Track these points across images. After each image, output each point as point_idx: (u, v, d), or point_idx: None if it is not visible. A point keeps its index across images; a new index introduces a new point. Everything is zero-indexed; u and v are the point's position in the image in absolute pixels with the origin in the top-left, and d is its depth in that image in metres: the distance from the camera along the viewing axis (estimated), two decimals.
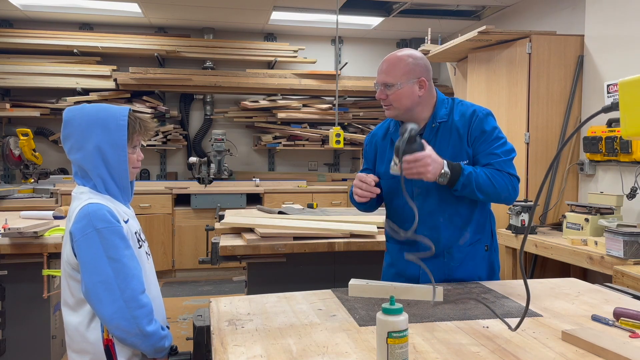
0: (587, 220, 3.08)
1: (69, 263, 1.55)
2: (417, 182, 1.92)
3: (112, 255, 1.49)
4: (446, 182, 1.76)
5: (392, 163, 1.75)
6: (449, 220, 1.94)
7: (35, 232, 2.72)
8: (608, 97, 3.58)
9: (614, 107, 1.13)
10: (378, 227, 2.82)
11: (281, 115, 5.94)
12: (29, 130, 5.32)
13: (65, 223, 1.61)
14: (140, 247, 1.66)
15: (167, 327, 1.69)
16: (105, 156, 1.58)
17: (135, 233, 1.66)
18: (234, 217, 3.07)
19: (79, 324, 1.55)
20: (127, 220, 1.63)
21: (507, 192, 1.83)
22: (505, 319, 1.52)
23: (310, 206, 3.86)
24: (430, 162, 1.70)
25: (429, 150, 1.72)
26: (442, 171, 1.74)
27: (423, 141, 1.73)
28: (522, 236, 3.37)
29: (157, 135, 5.82)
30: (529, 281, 2.03)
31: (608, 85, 3.57)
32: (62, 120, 1.62)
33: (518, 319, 1.53)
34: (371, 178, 1.86)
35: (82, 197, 1.58)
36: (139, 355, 1.59)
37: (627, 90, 1.11)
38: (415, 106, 1.90)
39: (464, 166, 1.79)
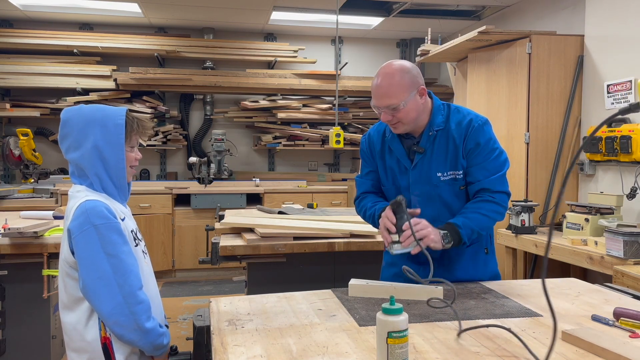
0: (587, 220, 3.08)
1: (67, 261, 1.56)
2: (415, 191, 1.93)
3: (110, 251, 1.50)
4: (451, 241, 1.77)
5: (393, 243, 1.75)
6: None
7: (35, 232, 2.72)
8: (608, 97, 3.58)
9: (632, 108, 1.11)
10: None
11: (281, 115, 5.94)
12: (29, 130, 5.33)
13: (64, 222, 1.62)
14: (136, 245, 1.66)
15: (166, 326, 1.69)
16: (103, 155, 1.59)
17: (132, 232, 1.67)
18: (234, 217, 3.07)
19: (76, 322, 1.56)
20: (124, 218, 1.64)
21: (499, 215, 1.89)
22: (506, 319, 1.53)
23: (310, 206, 3.86)
24: (427, 225, 1.73)
25: (418, 220, 1.75)
26: (441, 233, 1.75)
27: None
28: (522, 236, 3.37)
29: (157, 135, 5.82)
30: (529, 281, 2.04)
31: (608, 85, 3.57)
32: (60, 121, 1.63)
33: (518, 319, 1.53)
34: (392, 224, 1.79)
35: (79, 195, 1.59)
36: (137, 353, 1.59)
37: None
38: (420, 114, 1.87)
39: (452, 220, 1.81)
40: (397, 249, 1.74)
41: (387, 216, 1.78)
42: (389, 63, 1.85)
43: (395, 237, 1.74)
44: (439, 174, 1.90)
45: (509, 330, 1.37)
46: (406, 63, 1.84)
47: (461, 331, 1.40)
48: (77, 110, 1.63)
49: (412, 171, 1.92)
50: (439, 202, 1.92)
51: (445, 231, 1.77)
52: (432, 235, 1.72)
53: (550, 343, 1.02)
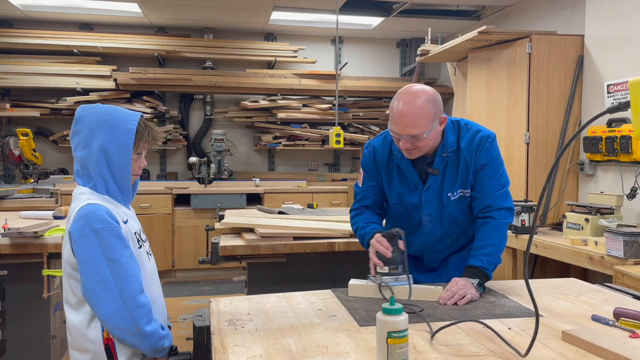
0: (587, 220, 3.08)
1: (69, 263, 1.56)
2: (426, 211, 1.94)
3: (110, 255, 1.50)
4: (483, 284, 1.80)
5: (382, 275, 1.78)
6: (454, 241, 2.01)
7: (35, 232, 2.71)
8: (608, 97, 3.58)
9: (621, 107, 1.11)
10: None
11: (281, 115, 5.94)
12: (29, 130, 5.33)
13: (66, 223, 1.62)
14: (140, 247, 1.66)
15: (169, 327, 1.69)
16: (109, 156, 1.59)
17: (135, 233, 1.66)
18: (234, 217, 3.07)
19: (80, 322, 1.55)
20: (127, 220, 1.63)
21: (506, 235, 1.92)
22: (506, 319, 1.53)
23: (310, 206, 3.86)
24: (464, 283, 1.74)
25: (455, 280, 1.77)
26: (475, 283, 1.76)
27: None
28: (523, 236, 3.37)
29: None
30: (529, 281, 2.03)
31: (608, 85, 3.57)
32: (74, 117, 1.63)
33: (518, 319, 1.53)
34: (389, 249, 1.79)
35: (82, 197, 1.58)
36: (140, 354, 1.59)
37: (638, 90, 1.10)
38: (437, 140, 1.86)
39: (477, 263, 1.82)
40: (388, 281, 1.76)
41: (384, 245, 1.79)
42: (414, 90, 1.76)
43: (386, 269, 1.77)
44: (449, 194, 1.91)
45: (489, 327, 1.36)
46: (430, 90, 1.77)
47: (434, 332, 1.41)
48: (91, 109, 1.62)
49: (425, 192, 1.92)
50: (448, 219, 1.95)
51: (477, 279, 1.78)
52: (473, 290, 1.73)
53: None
